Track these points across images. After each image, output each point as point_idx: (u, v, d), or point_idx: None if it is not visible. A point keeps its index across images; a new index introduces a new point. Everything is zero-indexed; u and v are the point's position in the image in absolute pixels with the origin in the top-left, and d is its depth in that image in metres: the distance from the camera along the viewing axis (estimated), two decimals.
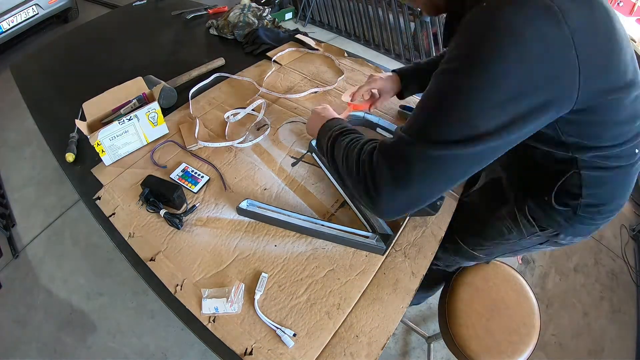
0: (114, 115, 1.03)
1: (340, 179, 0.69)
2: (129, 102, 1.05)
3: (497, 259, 1.06)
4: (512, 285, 1.03)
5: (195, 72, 1.30)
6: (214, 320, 0.71)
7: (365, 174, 0.58)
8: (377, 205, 0.57)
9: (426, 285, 1.29)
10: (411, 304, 1.40)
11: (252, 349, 0.67)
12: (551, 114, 0.51)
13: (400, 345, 1.54)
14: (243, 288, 0.74)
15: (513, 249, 0.92)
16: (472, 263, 1.08)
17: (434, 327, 1.57)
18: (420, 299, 1.53)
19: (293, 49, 1.45)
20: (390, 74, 1.04)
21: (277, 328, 0.69)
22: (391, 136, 0.58)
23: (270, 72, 1.32)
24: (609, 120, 0.58)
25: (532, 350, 0.93)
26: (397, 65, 3.06)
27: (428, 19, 2.70)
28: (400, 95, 1.06)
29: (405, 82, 1.03)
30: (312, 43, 1.47)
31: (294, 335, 0.69)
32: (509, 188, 0.85)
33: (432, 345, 1.45)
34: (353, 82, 1.29)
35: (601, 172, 0.64)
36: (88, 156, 1.03)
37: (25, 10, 2.86)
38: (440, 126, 0.51)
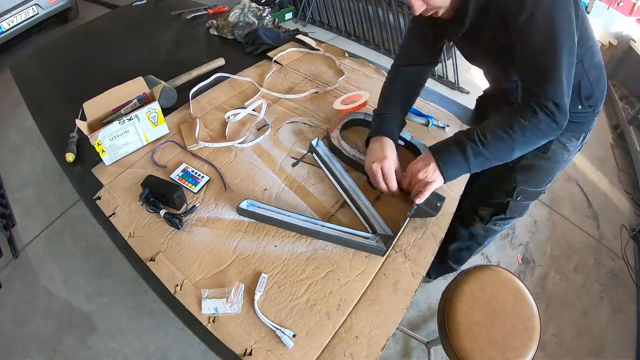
0: (115, 115, 1.03)
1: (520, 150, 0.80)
2: (130, 102, 1.05)
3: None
4: (509, 289, 1.02)
5: (195, 72, 1.30)
6: (213, 321, 0.71)
7: (539, 121, 0.75)
8: (560, 124, 0.76)
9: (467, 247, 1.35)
10: (425, 280, 1.41)
11: (252, 350, 0.67)
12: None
13: (401, 345, 1.54)
14: (243, 288, 0.74)
15: (563, 167, 1.05)
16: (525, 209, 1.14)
17: (435, 327, 1.56)
18: (438, 274, 1.60)
19: (294, 49, 1.45)
20: (379, 144, 0.92)
21: (277, 329, 0.69)
22: None
23: (270, 72, 1.31)
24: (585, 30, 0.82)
25: (535, 352, 0.93)
26: None
27: None
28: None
29: (394, 137, 0.94)
30: (312, 43, 1.47)
31: (294, 336, 0.69)
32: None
33: (432, 350, 1.44)
34: (353, 82, 1.29)
35: (594, 70, 0.89)
36: (88, 156, 1.03)
37: (25, 10, 2.85)
38: (555, 53, 0.72)
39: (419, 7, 0.78)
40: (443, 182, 0.81)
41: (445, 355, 1.01)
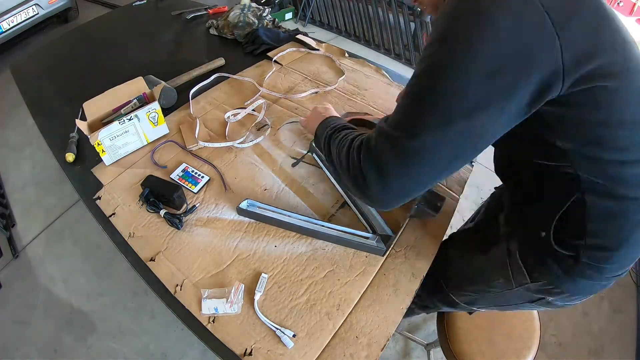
0: (115, 115, 1.03)
1: (336, 174, 0.69)
2: (130, 102, 1.05)
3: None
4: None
5: (195, 72, 1.30)
6: (213, 321, 0.71)
7: (355, 168, 0.56)
8: (370, 199, 0.57)
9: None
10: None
11: (252, 350, 0.67)
12: (532, 91, 0.46)
13: (401, 345, 1.54)
14: (243, 288, 0.74)
15: (498, 303, 0.82)
16: (451, 310, 0.99)
17: (434, 327, 1.56)
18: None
19: (294, 49, 1.45)
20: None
21: (277, 329, 0.69)
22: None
23: (270, 72, 1.31)
24: (609, 117, 0.50)
25: (536, 352, 0.93)
26: (397, 65, 3.06)
27: (428, 19, 2.70)
28: None
29: None
30: (312, 43, 1.47)
31: (294, 336, 0.69)
32: (505, 224, 0.75)
33: (431, 352, 1.44)
34: (354, 83, 1.29)
35: (607, 202, 0.55)
36: (88, 156, 1.03)
37: (25, 10, 2.85)
38: (416, 114, 0.49)
39: None
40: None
41: (444, 357, 1.00)
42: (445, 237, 0.88)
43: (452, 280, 0.89)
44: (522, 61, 0.44)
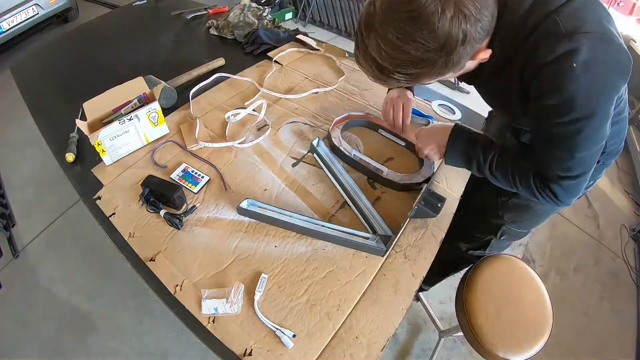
0: (115, 115, 1.03)
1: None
2: (130, 102, 1.05)
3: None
4: (523, 277, 1.06)
5: (195, 72, 1.29)
6: (213, 321, 0.71)
7: (547, 197, 0.72)
8: (567, 200, 0.72)
9: (442, 272, 1.32)
10: (420, 290, 1.40)
11: (252, 350, 0.67)
12: None
13: (401, 347, 1.54)
14: (243, 289, 0.74)
15: (555, 209, 0.98)
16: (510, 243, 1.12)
17: (435, 328, 1.57)
18: (432, 283, 1.54)
19: (294, 49, 1.45)
20: (405, 91, 1.03)
21: (277, 329, 0.69)
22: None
23: (271, 73, 1.31)
24: None
25: (550, 332, 0.97)
26: None
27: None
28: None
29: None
30: (313, 44, 1.47)
31: (294, 336, 0.69)
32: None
33: (442, 340, 1.46)
34: (354, 83, 1.29)
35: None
36: (88, 156, 1.03)
37: (25, 10, 2.85)
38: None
39: None
40: (438, 159, 0.90)
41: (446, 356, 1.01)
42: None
43: (527, 226, 1.03)
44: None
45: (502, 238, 1.05)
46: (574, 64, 0.54)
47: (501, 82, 0.69)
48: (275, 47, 1.44)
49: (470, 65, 0.65)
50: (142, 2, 1.85)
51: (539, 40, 0.57)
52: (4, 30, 2.76)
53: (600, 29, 0.56)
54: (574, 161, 0.66)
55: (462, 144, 0.81)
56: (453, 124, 0.83)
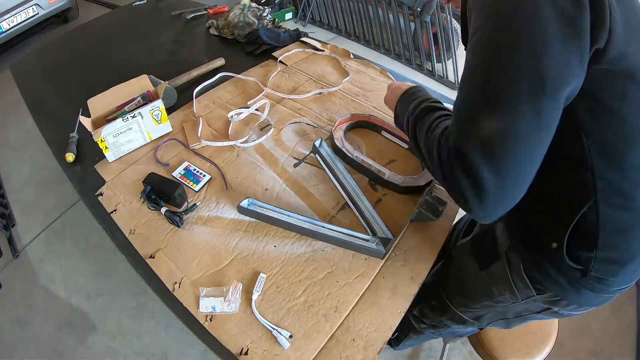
0: (119, 112, 1.04)
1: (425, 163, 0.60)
2: (134, 99, 1.06)
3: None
4: None
5: (195, 72, 1.30)
6: (210, 319, 0.71)
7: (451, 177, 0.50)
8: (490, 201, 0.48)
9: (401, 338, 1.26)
10: (395, 348, 1.36)
11: (248, 349, 0.67)
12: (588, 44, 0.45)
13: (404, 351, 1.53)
14: (241, 288, 0.74)
15: (505, 316, 0.80)
16: (463, 329, 0.98)
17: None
18: (407, 346, 1.41)
19: (299, 49, 1.45)
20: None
21: (274, 329, 0.69)
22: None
23: (275, 73, 1.31)
24: (637, 114, 0.50)
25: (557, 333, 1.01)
26: (397, 65, 3.06)
27: (428, 19, 2.70)
28: None
29: None
30: (317, 45, 1.47)
31: (290, 336, 0.69)
32: (504, 235, 0.71)
33: (447, 345, 1.45)
34: (358, 84, 1.29)
35: (622, 214, 0.53)
36: (88, 156, 1.03)
37: (25, 10, 2.86)
38: (505, 88, 0.45)
39: None
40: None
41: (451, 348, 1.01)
42: (443, 251, 0.87)
43: (457, 299, 0.88)
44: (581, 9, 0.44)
45: (433, 303, 0.94)
46: None
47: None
48: (275, 47, 1.44)
49: None
50: (142, 2, 1.85)
51: None
52: (4, 30, 2.76)
53: None
54: (489, 101, 0.45)
55: (407, 98, 0.70)
56: (409, 86, 0.74)
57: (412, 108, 0.65)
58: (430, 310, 0.98)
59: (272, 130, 1.09)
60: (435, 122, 0.58)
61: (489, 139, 0.45)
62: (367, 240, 0.82)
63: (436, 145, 0.53)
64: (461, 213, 0.73)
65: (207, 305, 0.71)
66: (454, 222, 0.93)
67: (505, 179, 0.45)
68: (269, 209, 0.86)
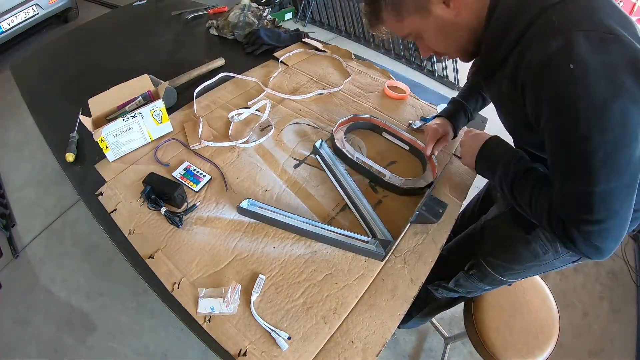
0: (119, 112, 1.04)
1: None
2: (135, 99, 1.05)
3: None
4: (533, 287, 1.09)
5: (195, 72, 1.29)
6: (209, 320, 0.71)
7: (566, 242, 0.60)
8: (597, 257, 0.59)
9: (428, 312, 1.25)
10: (401, 326, 1.37)
11: (246, 350, 0.67)
12: None
13: (405, 351, 1.53)
14: (240, 289, 0.74)
15: (543, 270, 0.86)
16: (493, 287, 1.02)
17: (451, 328, 1.56)
18: (415, 324, 1.43)
19: (301, 50, 1.44)
20: (441, 119, 1.01)
21: (272, 330, 0.69)
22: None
23: (276, 73, 1.31)
24: None
25: (557, 336, 1.03)
26: (397, 65, 3.06)
27: None
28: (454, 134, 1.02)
29: (456, 123, 1.01)
30: (319, 46, 1.47)
31: (289, 338, 0.69)
32: None
33: (449, 346, 1.45)
34: (359, 85, 1.29)
35: None
36: (88, 156, 1.03)
37: (25, 11, 2.85)
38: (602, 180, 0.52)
39: (424, 50, 0.72)
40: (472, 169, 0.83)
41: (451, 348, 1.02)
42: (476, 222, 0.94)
43: (502, 264, 0.90)
44: None
45: (471, 272, 0.96)
46: (571, 65, 0.47)
47: (495, 88, 0.64)
48: (276, 48, 1.44)
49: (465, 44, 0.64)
50: (142, 2, 1.85)
51: (530, 38, 0.52)
52: (4, 30, 2.76)
53: (602, 27, 0.48)
54: (593, 198, 0.53)
55: (493, 158, 0.75)
56: (488, 136, 0.78)
57: (503, 171, 0.71)
58: (466, 280, 1.00)
59: (272, 130, 1.09)
60: (535, 190, 0.65)
61: (599, 225, 0.54)
62: (367, 242, 0.81)
63: (545, 219, 0.62)
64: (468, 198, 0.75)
65: (205, 306, 0.71)
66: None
67: (617, 241, 0.56)
68: (268, 210, 0.86)
